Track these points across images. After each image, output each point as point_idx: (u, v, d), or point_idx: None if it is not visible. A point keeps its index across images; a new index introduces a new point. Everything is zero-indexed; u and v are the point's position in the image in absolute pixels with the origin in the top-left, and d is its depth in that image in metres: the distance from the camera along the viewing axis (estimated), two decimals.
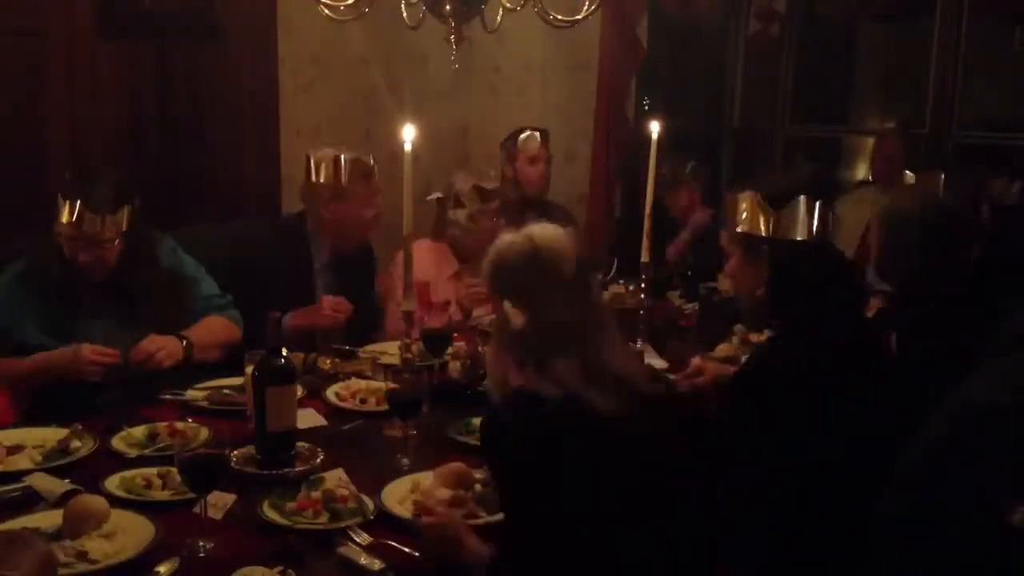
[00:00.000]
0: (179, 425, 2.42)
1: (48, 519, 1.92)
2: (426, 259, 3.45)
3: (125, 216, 2.74)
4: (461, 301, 3.52)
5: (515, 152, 4.27)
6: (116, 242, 2.75)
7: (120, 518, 1.92)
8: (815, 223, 2.23)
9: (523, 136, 4.26)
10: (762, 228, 2.25)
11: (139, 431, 2.39)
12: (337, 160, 3.28)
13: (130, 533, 1.87)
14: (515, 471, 1.77)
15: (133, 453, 2.28)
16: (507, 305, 1.84)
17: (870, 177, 5.10)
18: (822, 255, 2.25)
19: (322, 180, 3.30)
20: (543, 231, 1.87)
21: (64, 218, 2.67)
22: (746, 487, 2.07)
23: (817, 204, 2.22)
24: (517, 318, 1.82)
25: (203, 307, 2.98)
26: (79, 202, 2.65)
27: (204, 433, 2.37)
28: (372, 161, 3.37)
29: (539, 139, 4.25)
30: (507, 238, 1.89)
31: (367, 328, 3.39)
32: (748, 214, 2.28)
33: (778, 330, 2.36)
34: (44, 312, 2.73)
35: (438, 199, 3.69)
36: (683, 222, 4.50)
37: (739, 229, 2.30)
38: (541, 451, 1.73)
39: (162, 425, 2.42)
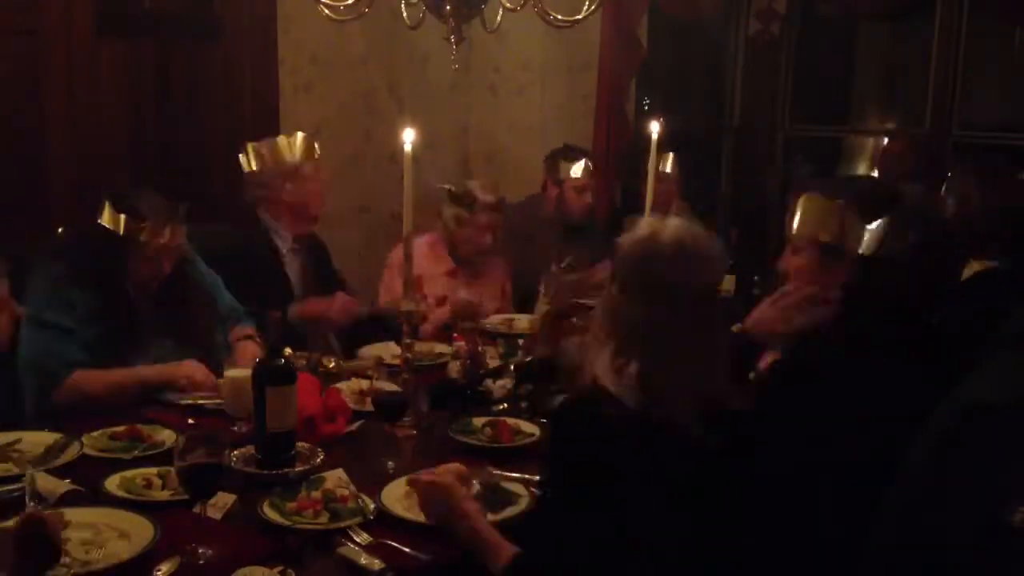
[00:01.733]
0: (141, 428, 2.41)
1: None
2: (422, 252, 3.46)
3: (182, 225, 2.77)
4: (456, 311, 3.53)
5: (558, 175, 4.25)
6: (175, 251, 2.77)
7: (120, 518, 1.92)
8: (894, 240, 2.24)
9: (570, 164, 4.22)
10: (849, 239, 2.26)
11: (101, 434, 2.38)
12: (285, 143, 3.33)
13: (130, 533, 1.87)
14: (574, 468, 1.75)
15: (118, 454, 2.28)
16: (629, 299, 1.78)
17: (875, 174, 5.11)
18: (909, 274, 2.25)
19: (271, 165, 3.33)
20: (694, 236, 1.80)
21: (128, 227, 2.66)
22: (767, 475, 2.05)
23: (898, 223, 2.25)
24: (636, 316, 1.77)
25: (226, 316, 2.98)
26: (142, 211, 2.66)
27: (165, 434, 2.36)
28: (303, 139, 3.39)
29: (585, 168, 4.22)
30: (654, 233, 1.80)
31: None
32: (833, 221, 2.28)
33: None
34: (90, 322, 2.69)
35: (449, 191, 3.68)
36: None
37: (822, 237, 2.29)
38: (606, 454, 1.71)
39: (121, 429, 2.41)
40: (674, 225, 1.81)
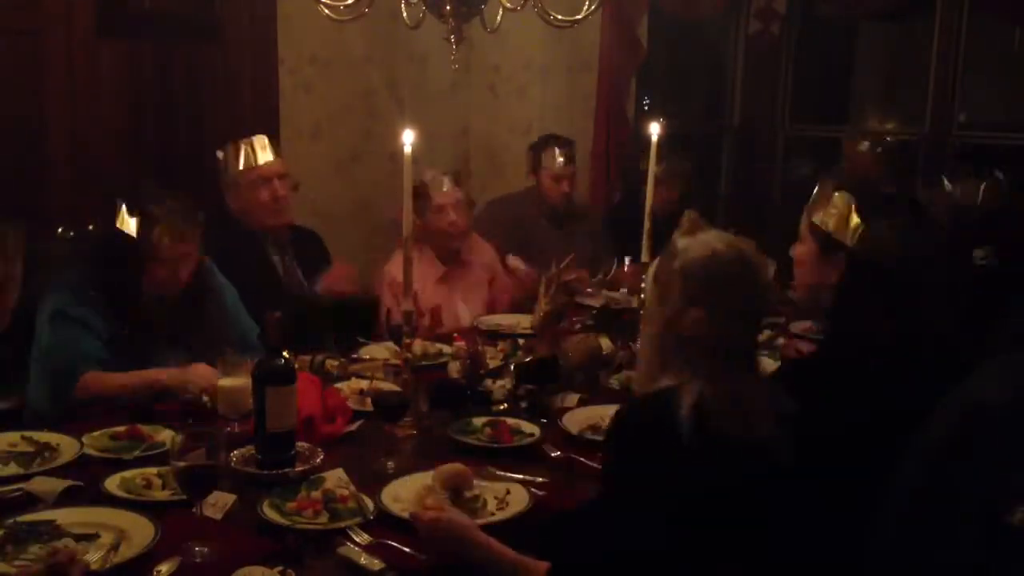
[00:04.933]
0: (141, 427, 2.41)
1: (47, 519, 1.92)
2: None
3: (198, 231, 2.77)
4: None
5: (540, 164, 4.29)
6: (190, 258, 2.76)
7: (120, 518, 1.92)
8: (896, 245, 2.22)
9: (549, 152, 4.25)
10: (848, 236, 2.24)
11: (101, 434, 2.38)
12: (231, 148, 3.36)
13: (130, 533, 1.87)
14: (629, 470, 1.75)
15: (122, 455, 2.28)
16: (692, 309, 1.78)
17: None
18: (901, 280, 2.23)
19: (225, 172, 3.38)
20: (749, 246, 1.83)
21: (141, 230, 2.66)
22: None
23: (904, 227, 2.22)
24: (698, 325, 1.77)
25: (237, 339, 2.93)
26: (156, 214, 2.66)
27: (165, 434, 2.36)
28: (267, 144, 3.38)
29: (563, 159, 4.23)
30: (712, 243, 1.82)
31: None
32: (836, 215, 2.26)
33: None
34: (105, 327, 2.69)
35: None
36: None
37: (828, 226, 2.25)
38: (659, 458, 1.71)
39: (121, 429, 2.41)
40: (727, 240, 1.82)
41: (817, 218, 2.27)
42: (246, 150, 3.36)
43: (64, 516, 1.92)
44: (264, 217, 3.39)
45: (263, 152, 3.38)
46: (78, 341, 2.65)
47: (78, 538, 1.84)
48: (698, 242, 1.82)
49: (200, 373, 2.63)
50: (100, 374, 2.64)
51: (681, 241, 1.83)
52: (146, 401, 2.58)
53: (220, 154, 3.41)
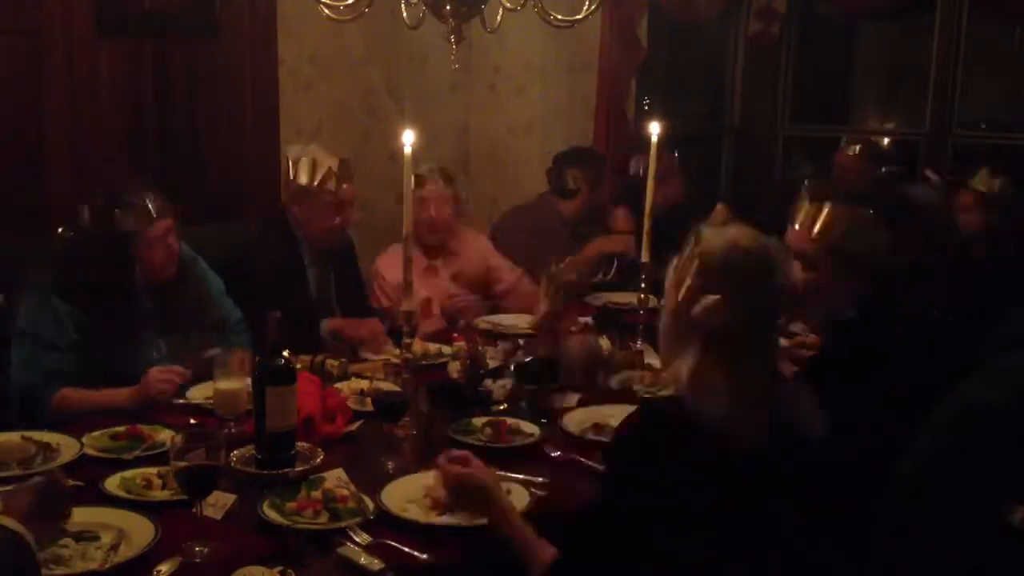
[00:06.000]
0: (142, 427, 2.42)
1: None
2: (397, 263, 3.46)
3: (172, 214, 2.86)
4: (448, 312, 3.53)
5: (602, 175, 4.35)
6: (176, 231, 2.86)
7: (120, 518, 1.92)
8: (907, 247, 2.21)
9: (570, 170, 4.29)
10: (869, 247, 2.22)
11: (102, 434, 2.39)
12: (311, 162, 3.33)
13: (130, 533, 1.87)
14: (640, 478, 1.73)
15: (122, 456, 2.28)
16: (713, 299, 1.73)
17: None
18: (923, 281, 2.22)
19: (293, 179, 3.36)
20: (775, 243, 1.82)
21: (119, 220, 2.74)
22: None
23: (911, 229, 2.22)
24: (713, 312, 1.72)
25: (228, 332, 2.99)
26: (127, 201, 2.75)
27: (166, 434, 2.36)
28: (338, 166, 3.36)
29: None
30: (734, 235, 1.80)
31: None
32: (851, 229, 2.23)
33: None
34: (88, 322, 2.72)
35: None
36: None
37: (845, 245, 2.24)
38: (677, 466, 1.69)
39: (121, 429, 2.41)
40: (752, 234, 1.80)
41: (825, 238, 2.25)
42: (329, 170, 3.33)
43: None
44: (325, 236, 3.40)
45: (343, 176, 3.36)
46: (39, 359, 2.68)
47: (78, 538, 1.84)
48: (722, 232, 1.79)
49: (154, 383, 2.62)
50: (67, 392, 2.66)
51: (707, 231, 1.80)
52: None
53: (291, 157, 3.39)
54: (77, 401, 2.65)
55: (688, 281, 1.75)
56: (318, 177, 3.31)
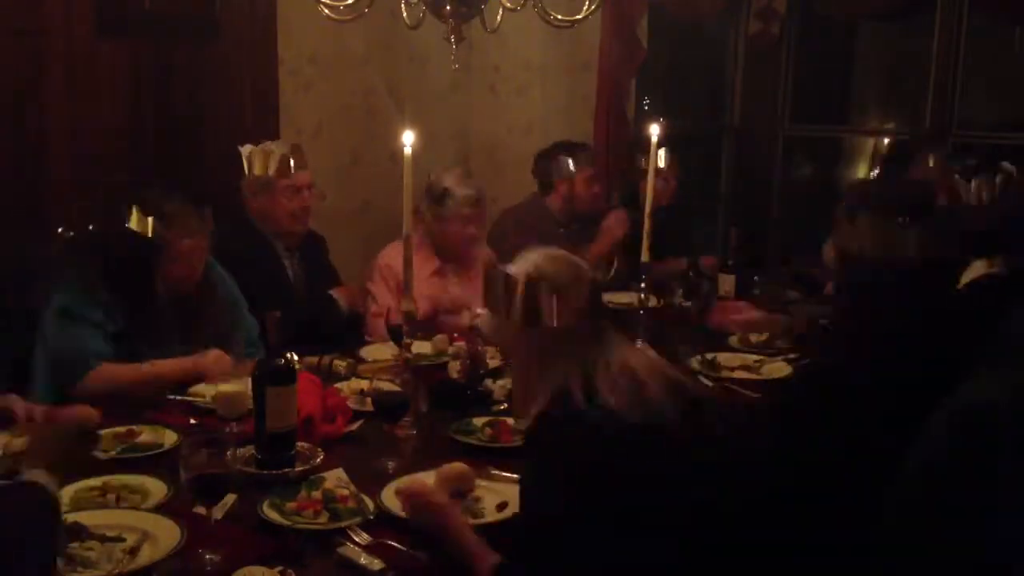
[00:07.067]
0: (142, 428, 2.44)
1: (72, 519, 1.91)
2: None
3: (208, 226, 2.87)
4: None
5: (567, 170, 4.32)
6: (203, 252, 2.86)
7: (146, 520, 1.93)
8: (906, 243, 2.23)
9: (579, 158, 4.32)
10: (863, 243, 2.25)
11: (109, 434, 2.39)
12: (263, 153, 3.40)
13: (155, 536, 1.87)
14: (563, 476, 1.77)
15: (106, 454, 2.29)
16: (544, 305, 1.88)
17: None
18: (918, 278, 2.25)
19: (249, 173, 3.43)
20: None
21: (156, 230, 2.74)
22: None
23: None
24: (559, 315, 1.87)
25: (247, 345, 3.01)
26: (168, 213, 2.76)
27: (166, 434, 2.38)
28: (291, 151, 3.43)
29: (592, 159, 4.36)
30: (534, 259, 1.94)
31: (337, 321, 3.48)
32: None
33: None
34: (115, 322, 2.75)
35: (427, 188, 3.67)
36: None
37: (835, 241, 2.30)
38: (597, 461, 1.75)
39: (122, 429, 2.42)
40: (551, 255, 1.95)
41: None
42: (282, 158, 3.39)
43: (88, 518, 1.92)
44: (286, 224, 3.45)
45: (297, 161, 3.43)
46: (85, 339, 2.70)
47: (103, 540, 1.84)
48: (523, 261, 1.94)
49: (214, 358, 2.67)
50: (111, 366, 2.70)
51: (511, 268, 1.94)
52: (152, 398, 2.62)
53: (244, 152, 3.44)
54: (119, 374, 2.69)
55: (520, 303, 1.88)
56: (272, 167, 3.38)
